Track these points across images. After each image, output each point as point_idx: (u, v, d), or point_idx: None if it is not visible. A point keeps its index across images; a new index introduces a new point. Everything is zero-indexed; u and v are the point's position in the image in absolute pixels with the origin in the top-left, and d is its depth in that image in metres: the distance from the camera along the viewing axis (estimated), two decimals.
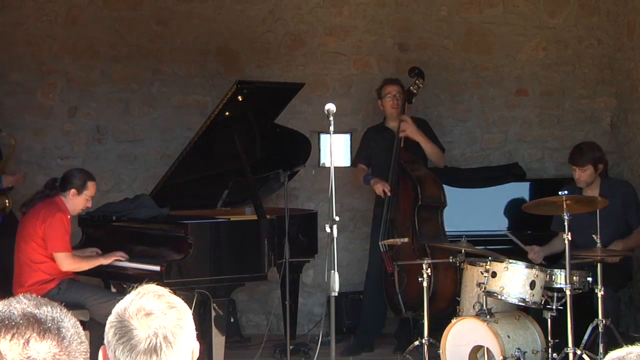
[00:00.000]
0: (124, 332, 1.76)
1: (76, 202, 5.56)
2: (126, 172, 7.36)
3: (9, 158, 6.76)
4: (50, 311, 1.51)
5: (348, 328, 6.89)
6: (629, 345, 1.49)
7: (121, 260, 5.52)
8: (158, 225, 5.68)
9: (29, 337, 1.45)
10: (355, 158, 6.80)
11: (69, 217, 5.49)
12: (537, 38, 7.33)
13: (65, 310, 1.55)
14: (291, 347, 5.88)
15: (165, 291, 1.85)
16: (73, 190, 5.53)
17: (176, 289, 5.37)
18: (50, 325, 1.48)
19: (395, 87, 6.52)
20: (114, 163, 7.35)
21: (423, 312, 5.49)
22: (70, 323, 1.52)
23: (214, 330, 5.27)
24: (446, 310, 5.75)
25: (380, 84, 6.64)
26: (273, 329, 6.91)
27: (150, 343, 1.74)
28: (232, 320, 6.75)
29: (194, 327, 1.83)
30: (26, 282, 5.43)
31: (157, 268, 5.23)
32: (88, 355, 1.53)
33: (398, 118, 6.45)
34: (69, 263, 5.44)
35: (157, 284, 1.88)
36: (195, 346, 1.83)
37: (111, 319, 1.80)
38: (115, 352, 1.76)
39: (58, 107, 7.35)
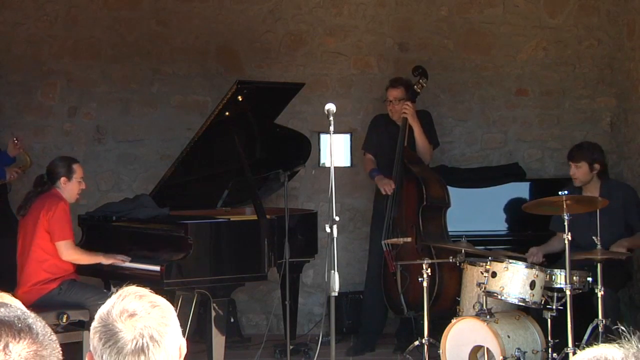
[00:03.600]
0: (110, 335, 1.76)
1: (70, 188, 5.58)
2: (126, 172, 7.36)
3: (15, 177, 6.72)
4: (11, 311, 1.49)
5: (348, 328, 6.89)
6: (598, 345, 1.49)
7: (122, 263, 5.53)
8: (158, 225, 5.68)
9: (7, 342, 1.43)
10: (364, 146, 6.78)
11: (69, 206, 5.52)
12: (537, 38, 7.33)
13: (17, 306, 1.53)
14: (291, 347, 5.88)
15: (146, 291, 1.86)
16: (63, 179, 5.56)
17: (176, 289, 5.43)
18: (20, 325, 1.46)
19: (395, 91, 6.46)
20: (114, 163, 7.35)
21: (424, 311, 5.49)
22: (33, 317, 1.51)
23: (214, 330, 5.27)
24: (450, 310, 5.75)
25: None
26: (273, 329, 6.91)
27: (137, 344, 1.75)
28: (232, 320, 6.74)
29: (178, 324, 1.84)
30: (28, 282, 5.44)
31: (157, 268, 5.24)
32: (57, 344, 1.52)
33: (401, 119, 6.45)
34: (70, 253, 5.47)
35: (138, 285, 1.88)
36: (182, 343, 1.84)
37: (95, 325, 1.80)
38: (102, 356, 1.76)
39: (58, 107, 7.35)
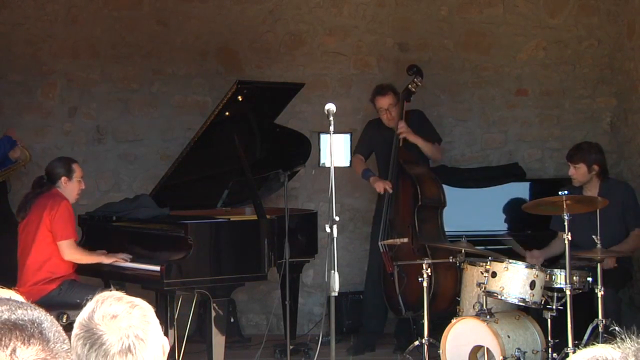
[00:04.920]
0: (94, 339, 1.77)
1: (71, 188, 5.60)
2: (126, 172, 7.37)
3: (16, 169, 6.74)
4: (27, 314, 1.45)
5: (348, 328, 6.89)
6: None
7: (123, 263, 5.53)
8: (158, 225, 5.68)
9: (14, 346, 1.39)
10: (356, 148, 6.79)
11: (71, 205, 5.54)
12: (537, 38, 7.33)
13: (39, 309, 1.49)
14: (291, 347, 5.88)
15: (122, 294, 1.88)
16: (64, 178, 5.58)
17: (176, 289, 5.42)
18: (32, 330, 1.42)
19: (386, 99, 6.40)
20: (114, 163, 7.35)
21: (423, 312, 5.49)
22: (49, 323, 1.47)
23: (214, 330, 5.27)
24: (447, 311, 5.75)
25: (371, 95, 6.53)
26: (273, 329, 6.91)
27: (123, 344, 1.77)
28: (232, 320, 6.74)
29: (158, 322, 1.86)
30: (28, 282, 5.44)
31: (157, 268, 5.23)
32: (71, 353, 1.51)
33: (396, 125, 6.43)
34: (72, 252, 5.48)
35: (115, 289, 1.90)
36: (165, 341, 1.86)
37: (76, 332, 1.80)
38: None
39: (58, 107, 7.35)
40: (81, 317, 1.81)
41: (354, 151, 6.80)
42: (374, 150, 6.68)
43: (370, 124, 6.72)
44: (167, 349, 1.86)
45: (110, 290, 1.89)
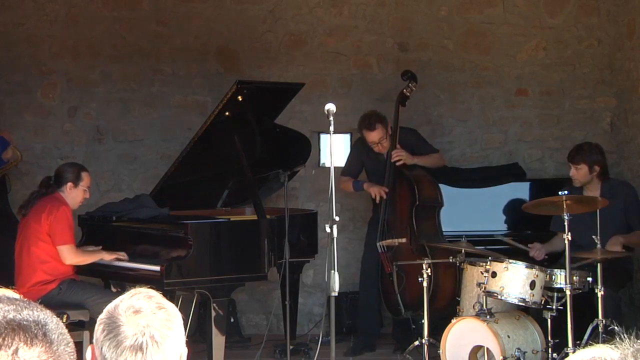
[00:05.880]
0: (112, 328, 1.77)
1: (75, 195, 5.58)
2: (126, 172, 7.37)
3: (8, 169, 6.74)
4: (33, 314, 1.44)
5: (348, 328, 6.89)
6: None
7: (121, 260, 5.53)
8: (158, 225, 5.68)
9: (17, 347, 1.39)
10: (343, 170, 6.68)
11: (71, 211, 5.52)
12: (537, 38, 7.33)
13: (46, 310, 1.49)
14: (291, 347, 5.87)
15: (156, 294, 1.87)
16: (69, 184, 5.56)
17: (176, 289, 5.42)
18: (35, 331, 1.42)
19: (375, 133, 6.29)
20: (114, 163, 7.35)
21: (423, 312, 5.49)
22: (54, 324, 1.46)
23: (214, 330, 5.27)
24: (446, 310, 5.75)
25: (358, 123, 6.41)
26: (273, 329, 6.91)
27: (136, 340, 1.75)
28: (232, 320, 6.75)
29: (183, 332, 1.83)
30: (27, 283, 5.43)
31: (157, 268, 5.24)
32: (74, 355, 1.50)
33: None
34: (72, 257, 5.47)
35: (150, 287, 1.89)
36: (184, 351, 1.83)
37: (101, 317, 1.81)
38: (102, 348, 1.76)
39: (58, 107, 7.35)
40: (111, 305, 1.82)
41: (342, 173, 6.66)
42: (364, 167, 6.63)
43: (358, 143, 6.64)
44: (185, 358, 1.83)
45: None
